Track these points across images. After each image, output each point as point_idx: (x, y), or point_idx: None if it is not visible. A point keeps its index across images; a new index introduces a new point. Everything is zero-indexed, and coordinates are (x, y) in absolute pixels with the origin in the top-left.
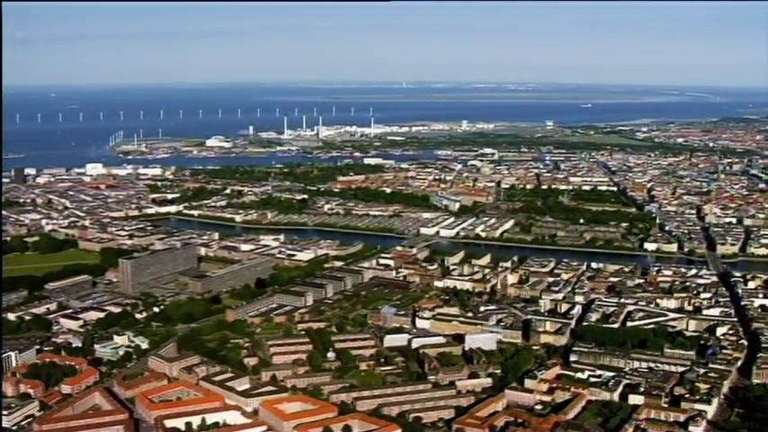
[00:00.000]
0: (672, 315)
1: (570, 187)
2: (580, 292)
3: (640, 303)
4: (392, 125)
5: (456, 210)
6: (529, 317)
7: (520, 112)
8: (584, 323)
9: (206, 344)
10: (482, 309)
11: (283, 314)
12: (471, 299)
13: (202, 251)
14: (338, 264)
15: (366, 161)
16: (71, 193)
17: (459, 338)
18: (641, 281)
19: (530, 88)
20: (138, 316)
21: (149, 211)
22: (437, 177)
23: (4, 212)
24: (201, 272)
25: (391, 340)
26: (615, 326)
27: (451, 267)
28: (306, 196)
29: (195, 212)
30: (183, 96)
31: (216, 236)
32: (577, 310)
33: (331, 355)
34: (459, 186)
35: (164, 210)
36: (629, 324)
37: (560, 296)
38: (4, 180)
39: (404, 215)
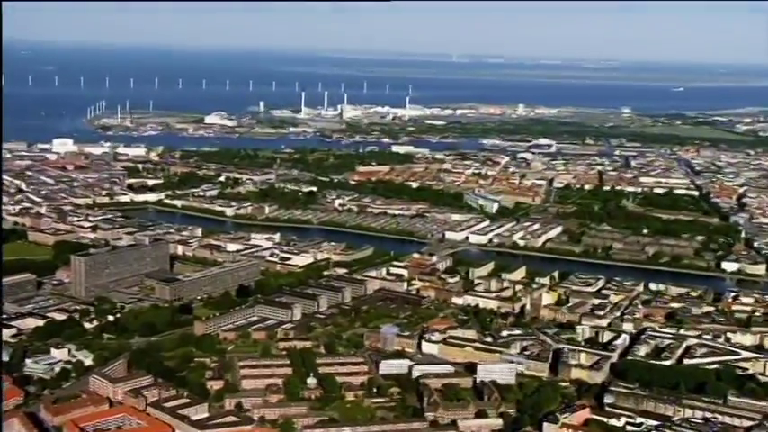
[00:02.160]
0: (745, 354)
1: (638, 189)
2: (630, 319)
3: (705, 337)
4: (432, 107)
5: (493, 212)
6: (560, 346)
7: (592, 96)
8: (630, 357)
9: (164, 362)
10: (505, 333)
11: (264, 329)
12: (494, 320)
13: (179, 250)
14: (340, 271)
15: (394, 149)
16: (29, 173)
17: (472, 368)
18: (711, 309)
19: (609, 66)
20: (86, 325)
21: (123, 198)
22: (477, 171)
23: None
24: (173, 275)
25: (388, 366)
26: (668, 363)
27: (476, 281)
28: (314, 188)
29: (178, 203)
30: (187, 62)
31: (199, 232)
32: (623, 340)
33: (312, 381)
34: (502, 183)
35: (141, 198)
36: (686, 361)
37: (604, 322)
38: None
39: (429, 216)
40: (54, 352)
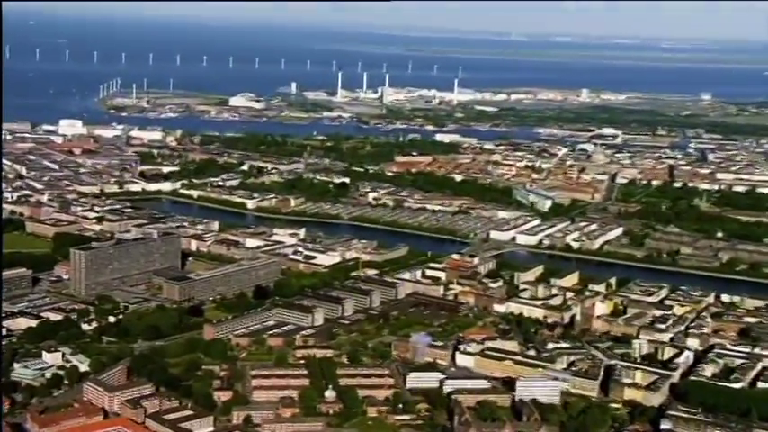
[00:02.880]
0: None
1: (715, 187)
2: (696, 334)
3: None
4: (484, 91)
5: (546, 209)
6: (613, 362)
7: (669, 80)
8: (693, 377)
9: (168, 369)
10: (550, 346)
11: (281, 335)
12: (539, 331)
13: (192, 245)
14: (370, 272)
15: (438, 137)
16: (32, 157)
17: (511, 385)
18: None
19: (692, 47)
20: (84, 327)
21: (134, 187)
22: (530, 164)
23: None
24: (183, 273)
25: (417, 380)
26: (738, 385)
27: (522, 287)
28: (347, 180)
29: (195, 193)
30: (214, 37)
31: (215, 225)
32: (687, 358)
33: (331, 393)
34: (558, 178)
35: (154, 187)
36: (760, 385)
37: (666, 337)
38: None
39: (473, 212)
40: (46, 356)
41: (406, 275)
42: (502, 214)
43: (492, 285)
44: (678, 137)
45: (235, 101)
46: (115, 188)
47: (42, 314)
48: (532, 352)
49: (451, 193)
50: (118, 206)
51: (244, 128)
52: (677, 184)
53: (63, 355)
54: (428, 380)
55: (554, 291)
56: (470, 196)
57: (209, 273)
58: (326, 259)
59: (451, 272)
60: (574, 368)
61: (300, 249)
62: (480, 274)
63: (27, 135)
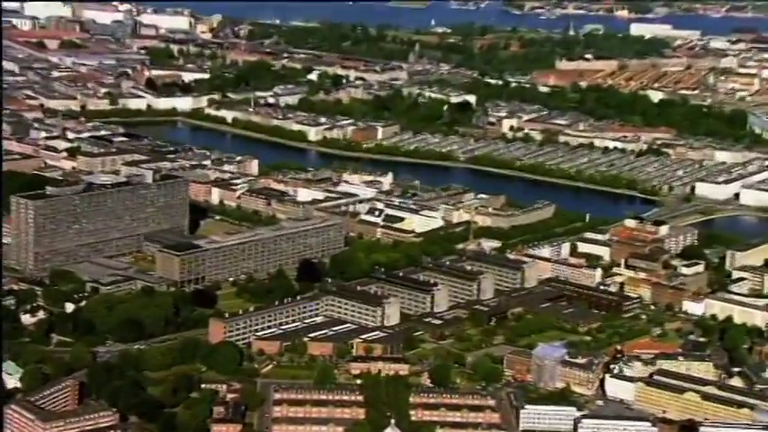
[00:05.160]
0: None
1: None
2: None
3: None
4: None
5: None
6: None
7: None
8: None
9: (145, 387)
10: None
11: (330, 339)
12: (756, 348)
13: (214, 196)
14: (488, 245)
15: (635, 29)
16: None
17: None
18: None
19: None
20: (25, 319)
21: (135, 103)
22: None
23: None
24: (191, 238)
25: (537, 416)
26: None
27: (737, 275)
28: (472, 98)
29: (229, 114)
30: None
31: (254, 166)
32: None
33: None
34: None
35: (167, 104)
36: None
37: None
38: None
39: (672, 152)
40: None
41: (545, 251)
42: (721, 156)
43: (685, 271)
44: None
45: None
46: (105, 104)
47: None
48: (737, 381)
49: (641, 122)
50: (106, 132)
51: (321, 14)
52: None
53: None
54: (555, 417)
55: None
56: (673, 126)
57: (231, 239)
58: (420, 222)
59: (619, 247)
60: None
61: (380, 207)
62: (668, 253)
63: None
